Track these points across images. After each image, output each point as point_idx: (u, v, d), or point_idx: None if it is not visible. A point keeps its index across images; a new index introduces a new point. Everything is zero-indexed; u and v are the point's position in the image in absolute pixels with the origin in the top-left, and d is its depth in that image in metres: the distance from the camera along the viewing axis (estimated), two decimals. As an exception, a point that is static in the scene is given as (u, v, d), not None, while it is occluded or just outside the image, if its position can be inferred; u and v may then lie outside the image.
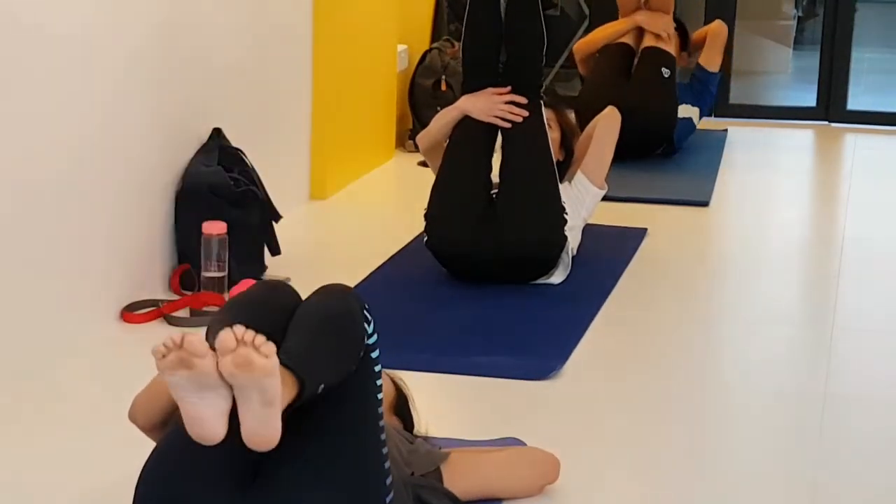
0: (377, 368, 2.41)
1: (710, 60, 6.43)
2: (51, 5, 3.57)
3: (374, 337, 2.41)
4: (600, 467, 3.06)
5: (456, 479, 2.71)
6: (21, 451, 3.09)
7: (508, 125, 4.24)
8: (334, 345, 2.33)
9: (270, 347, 2.15)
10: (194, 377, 2.15)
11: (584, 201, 4.49)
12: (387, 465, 2.38)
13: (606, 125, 4.62)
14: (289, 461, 2.30)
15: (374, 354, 2.41)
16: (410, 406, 2.88)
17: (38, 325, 3.59)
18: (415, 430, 2.86)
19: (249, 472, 2.31)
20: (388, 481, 2.38)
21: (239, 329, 2.15)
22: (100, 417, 3.29)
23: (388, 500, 2.38)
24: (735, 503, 2.94)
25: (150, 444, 2.42)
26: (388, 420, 2.78)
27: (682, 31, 6.41)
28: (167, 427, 2.46)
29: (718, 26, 6.49)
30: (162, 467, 2.34)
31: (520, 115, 4.24)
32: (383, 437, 2.39)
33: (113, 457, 2.99)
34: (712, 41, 6.44)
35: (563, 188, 4.37)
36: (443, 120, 4.37)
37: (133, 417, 2.55)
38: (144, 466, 2.36)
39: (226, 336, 2.14)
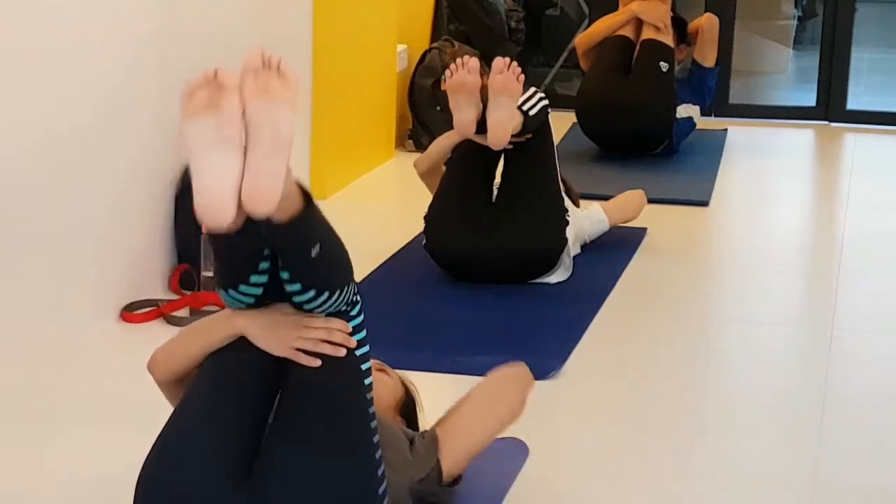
0: (362, 352, 2.39)
1: (705, 55, 6.41)
2: (47, 4, 3.57)
3: (361, 318, 2.39)
4: (600, 467, 3.06)
5: (450, 453, 2.66)
6: (21, 451, 3.10)
7: (511, 146, 4.24)
8: (332, 235, 2.34)
9: (292, 74, 2.12)
10: (217, 123, 2.10)
11: (589, 217, 4.53)
12: (378, 455, 2.35)
13: (634, 199, 4.83)
14: (283, 450, 2.29)
15: (360, 336, 2.39)
16: (417, 409, 2.88)
17: (37, 324, 3.59)
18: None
19: (245, 462, 2.31)
20: (381, 472, 2.36)
21: (266, 51, 2.12)
22: (100, 417, 3.29)
23: (381, 490, 2.36)
24: (735, 503, 2.94)
25: (150, 443, 2.41)
26: (392, 417, 2.78)
27: (679, 22, 6.41)
28: (181, 385, 2.45)
29: (708, 20, 6.46)
30: (160, 463, 2.33)
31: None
32: (376, 439, 2.37)
33: (113, 456, 2.99)
34: (704, 36, 6.42)
35: (572, 208, 4.41)
36: (443, 143, 4.40)
37: (151, 368, 2.52)
38: (144, 465, 2.36)
39: (253, 54, 2.12)
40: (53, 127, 3.61)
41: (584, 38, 6.46)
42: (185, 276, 4.17)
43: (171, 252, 4.23)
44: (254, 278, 2.33)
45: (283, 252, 2.27)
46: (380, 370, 2.84)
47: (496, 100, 4.05)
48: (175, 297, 4.11)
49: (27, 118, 3.51)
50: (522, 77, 4.09)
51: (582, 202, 4.74)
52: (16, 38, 3.44)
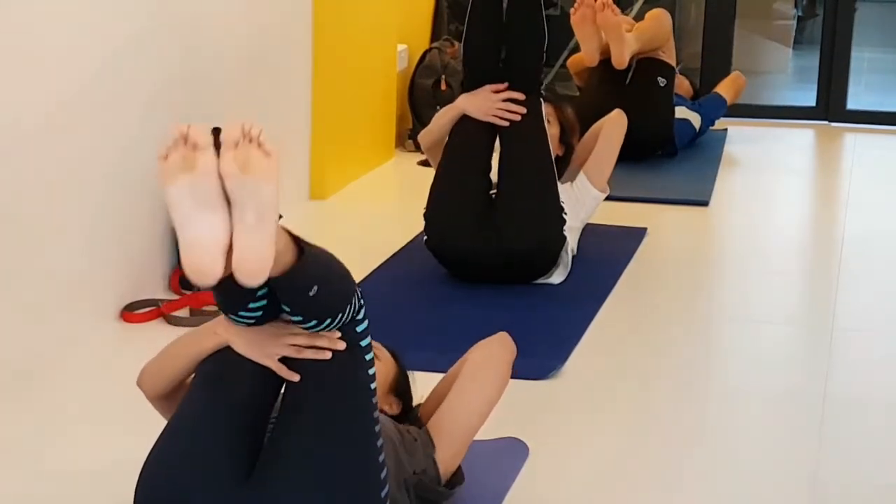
0: (368, 357, 2.39)
1: (727, 91, 6.66)
2: (44, 4, 3.57)
3: (365, 324, 2.39)
4: (600, 467, 3.06)
5: (444, 447, 2.66)
6: (21, 451, 3.10)
7: (506, 124, 4.24)
8: (330, 271, 2.32)
9: (273, 148, 2.05)
10: (195, 184, 2.06)
11: (583, 203, 4.50)
12: (381, 457, 2.36)
13: (612, 127, 4.65)
14: (284, 456, 2.30)
15: (364, 343, 2.39)
16: (410, 381, 2.85)
17: (38, 324, 3.59)
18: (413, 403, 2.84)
19: (246, 468, 2.31)
20: (384, 475, 2.37)
21: (247, 123, 2.07)
22: (100, 417, 3.29)
23: (383, 493, 2.36)
24: (735, 503, 2.94)
25: (150, 442, 2.41)
26: (389, 401, 2.75)
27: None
28: (172, 399, 2.45)
29: (740, 75, 6.81)
30: (160, 467, 2.33)
31: (518, 112, 4.24)
32: (377, 428, 2.37)
33: (114, 455, 2.99)
34: (733, 79, 6.75)
35: (563, 189, 4.37)
36: (442, 119, 4.38)
37: (140, 384, 2.53)
38: (144, 467, 2.35)
39: (232, 128, 2.06)
40: (53, 126, 3.61)
41: (579, 58, 6.46)
42: (184, 277, 4.16)
43: (171, 252, 4.23)
44: (252, 304, 2.34)
45: (281, 294, 2.28)
46: None
47: None
48: (175, 297, 4.11)
49: (25, 116, 3.51)
50: None
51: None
52: (7, 35, 3.44)
